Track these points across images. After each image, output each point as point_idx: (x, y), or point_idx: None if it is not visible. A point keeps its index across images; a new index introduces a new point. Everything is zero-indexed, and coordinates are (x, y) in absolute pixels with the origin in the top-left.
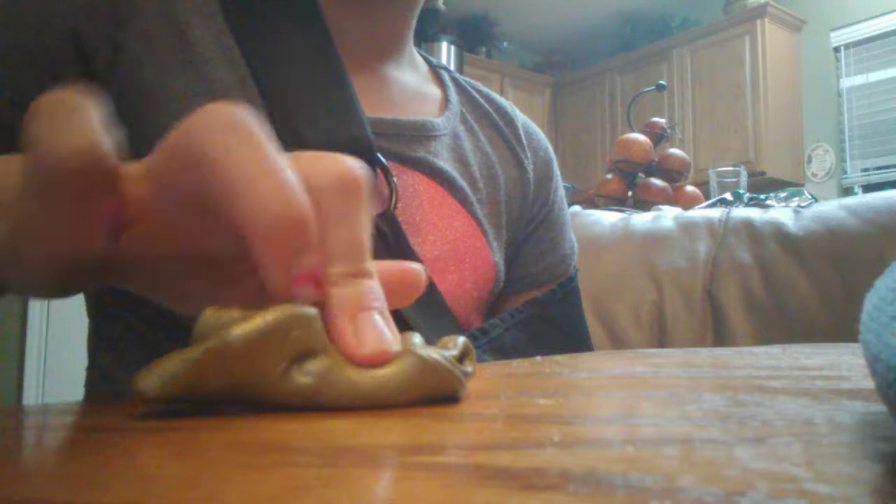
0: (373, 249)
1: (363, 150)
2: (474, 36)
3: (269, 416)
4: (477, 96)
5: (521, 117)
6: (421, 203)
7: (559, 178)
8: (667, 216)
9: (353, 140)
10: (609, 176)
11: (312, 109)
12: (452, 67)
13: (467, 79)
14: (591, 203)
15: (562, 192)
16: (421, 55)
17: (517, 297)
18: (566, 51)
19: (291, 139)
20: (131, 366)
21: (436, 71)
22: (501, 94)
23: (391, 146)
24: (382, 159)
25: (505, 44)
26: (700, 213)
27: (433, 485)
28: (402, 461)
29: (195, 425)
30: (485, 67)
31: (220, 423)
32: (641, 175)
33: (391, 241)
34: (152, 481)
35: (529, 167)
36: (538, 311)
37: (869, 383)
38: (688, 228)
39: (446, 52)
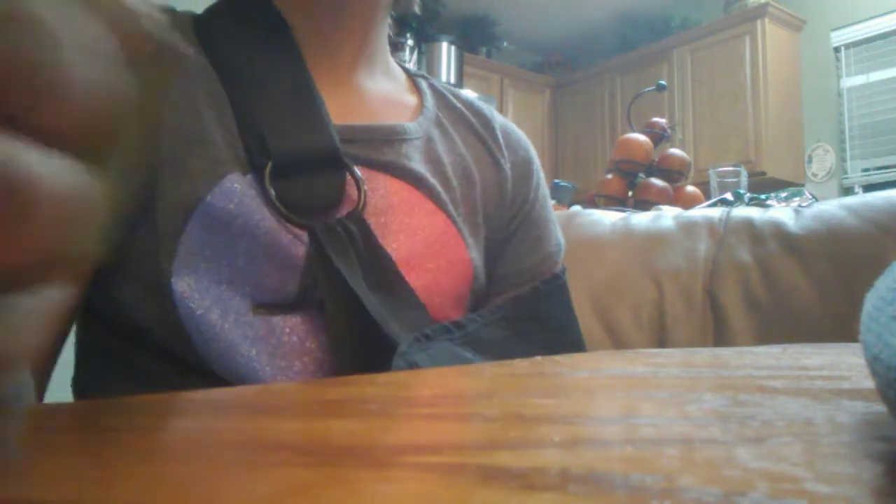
0: None
1: (330, 157)
2: (474, 36)
3: (270, 416)
4: (454, 101)
5: (499, 119)
6: (391, 204)
7: (541, 177)
8: (667, 216)
9: (319, 148)
10: (609, 176)
11: (279, 120)
12: (452, 67)
13: (447, 85)
14: (591, 203)
15: (544, 192)
16: (399, 65)
17: (500, 296)
18: (566, 51)
19: (259, 149)
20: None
21: (414, 79)
22: (501, 94)
23: (361, 152)
24: (351, 165)
25: (505, 44)
26: (700, 212)
27: (433, 485)
28: (402, 461)
29: (195, 425)
30: (485, 67)
31: (219, 424)
32: (642, 175)
33: (359, 239)
34: (152, 481)
35: (506, 166)
36: (521, 308)
37: (869, 383)
38: (688, 228)
39: (446, 52)
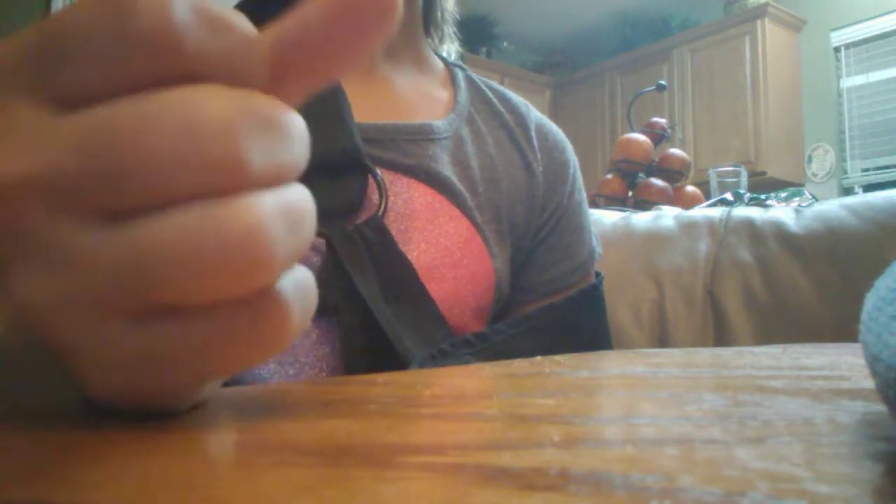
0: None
1: (352, 160)
2: (474, 36)
3: (270, 416)
4: (491, 96)
5: (535, 117)
6: (414, 210)
7: (578, 182)
8: (667, 216)
9: (340, 149)
10: (609, 176)
11: None
12: None
13: (484, 78)
14: (591, 203)
15: (580, 197)
16: (438, 56)
17: (529, 305)
18: (566, 51)
19: None
20: None
21: (451, 71)
22: None
23: (385, 153)
24: (373, 167)
25: (505, 44)
26: (701, 212)
27: (433, 485)
28: (402, 461)
29: (195, 425)
30: (485, 67)
31: (219, 423)
32: (642, 175)
33: (376, 246)
34: (152, 481)
35: (538, 170)
36: (554, 318)
37: (869, 383)
38: (688, 228)
39: (446, 52)
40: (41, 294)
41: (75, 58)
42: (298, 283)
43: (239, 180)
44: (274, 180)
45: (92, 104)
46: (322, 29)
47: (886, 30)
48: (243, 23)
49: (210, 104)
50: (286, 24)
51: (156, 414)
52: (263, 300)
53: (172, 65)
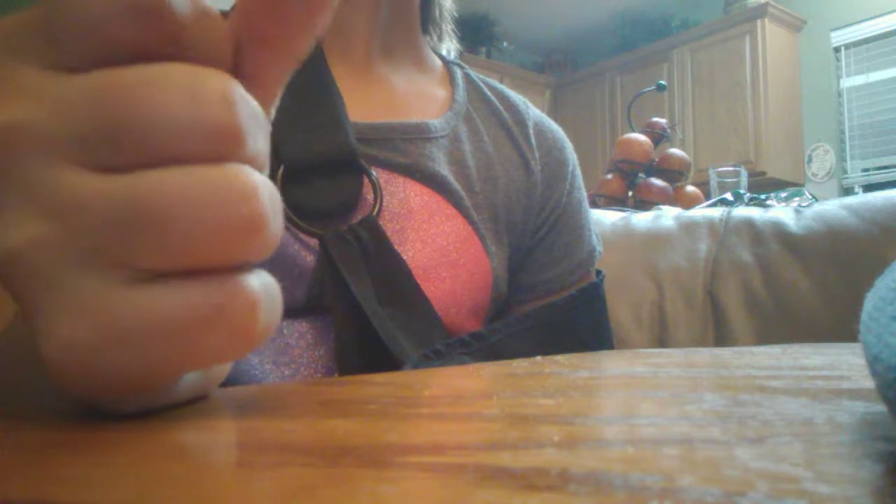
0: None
1: (346, 160)
2: (474, 36)
3: (270, 416)
4: (489, 94)
5: (534, 115)
6: (410, 209)
7: (577, 180)
8: (667, 216)
9: (335, 150)
10: (609, 176)
11: (292, 120)
12: None
13: (482, 76)
14: (591, 203)
15: (579, 196)
16: (437, 54)
17: (528, 304)
18: (566, 51)
19: (270, 152)
20: None
21: (449, 69)
22: None
23: (380, 153)
24: (367, 168)
25: (505, 44)
26: (701, 212)
27: (433, 485)
28: (402, 461)
29: (195, 425)
30: (485, 67)
31: (219, 424)
32: (642, 175)
33: (371, 247)
34: (152, 481)
35: (537, 169)
36: (554, 317)
37: (869, 383)
38: (688, 228)
39: (446, 52)
40: (21, 235)
41: (76, 26)
42: (266, 284)
43: (235, 150)
44: (256, 164)
45: (91, 71)
46: (260, 14)
47: (886, 30)
48: (215, 9)
49: (211, 77)
50: (233, 15)
51: (123, 410)
52: (234, 287)
53: (165, 37)
